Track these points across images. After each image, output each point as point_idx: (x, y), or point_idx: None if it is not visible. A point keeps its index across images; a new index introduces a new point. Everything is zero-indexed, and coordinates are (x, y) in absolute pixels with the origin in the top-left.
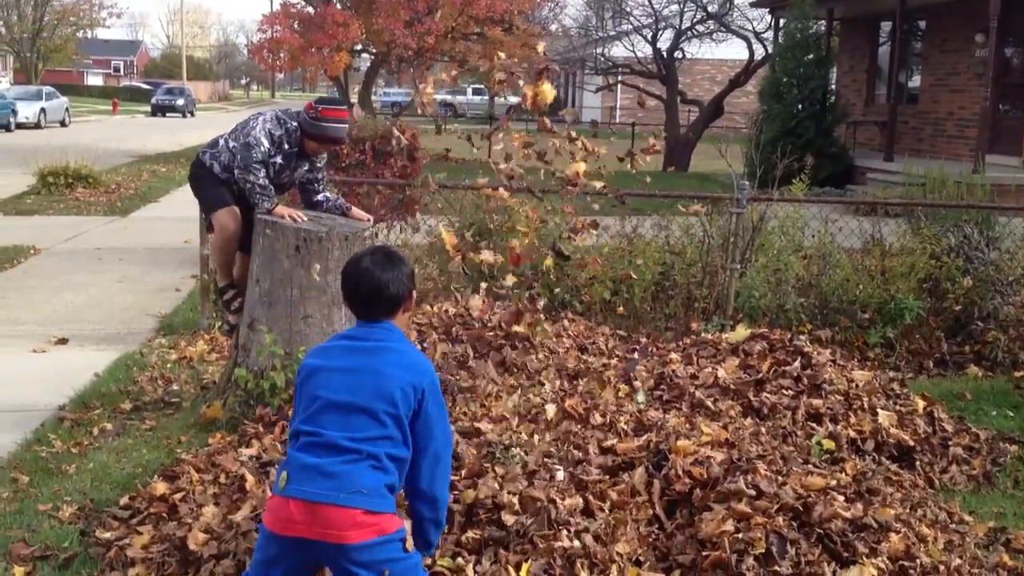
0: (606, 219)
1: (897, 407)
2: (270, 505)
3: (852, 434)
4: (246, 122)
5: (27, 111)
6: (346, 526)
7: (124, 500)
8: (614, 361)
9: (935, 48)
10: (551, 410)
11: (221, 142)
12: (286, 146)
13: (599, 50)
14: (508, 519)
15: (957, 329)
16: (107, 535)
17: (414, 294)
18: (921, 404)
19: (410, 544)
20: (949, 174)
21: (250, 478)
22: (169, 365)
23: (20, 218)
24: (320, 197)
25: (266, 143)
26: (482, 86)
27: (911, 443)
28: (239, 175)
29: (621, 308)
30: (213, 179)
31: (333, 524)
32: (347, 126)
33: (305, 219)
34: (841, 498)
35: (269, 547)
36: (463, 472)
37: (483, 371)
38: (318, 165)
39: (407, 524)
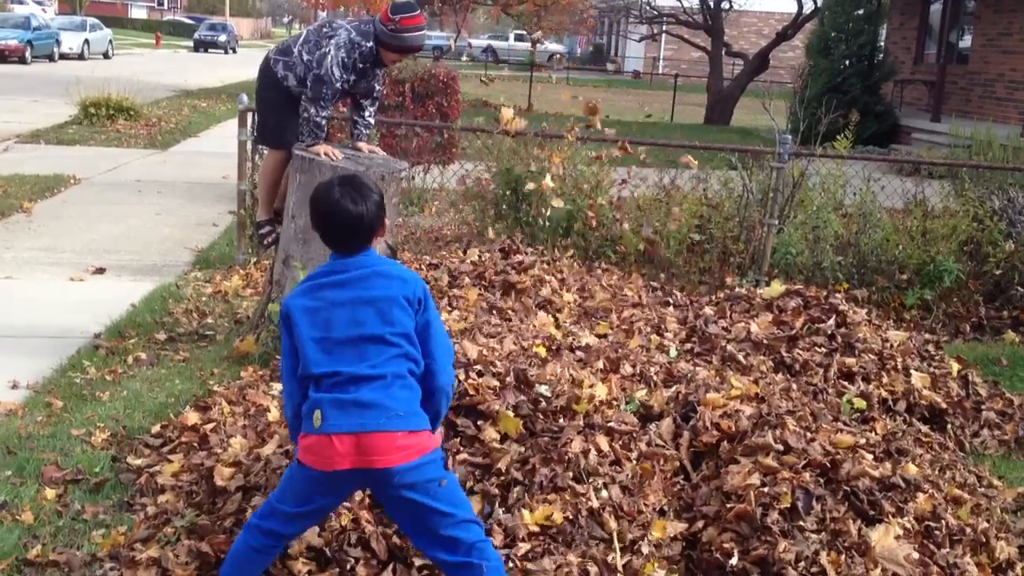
0: (644, 170)
1: (931, 369)
2: (309, 444)
3: (884, 394)
4: (321, 35)
5: (71, 42)
6: (391, 450)
7: (156, 428)
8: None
9: (988, 7)
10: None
11: (295, 51)
12: (360, 66)
13: None
14: (541, 470)
15: (996, 294)
16: (138, 462)
17: (385, 221)
18: (956, 367)
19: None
20: (996, 136)
21: (275, 412)
22: (204, 298)
23: (61, 147)
24: (365, 114)
25: (338, 74)
26: (524, 32)
27: (943, 405)
28: (304, 102)
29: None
30: (283, 98)
31: (378, 451)
32: (425, 31)
33: (341, 156)
34: (870, 456)
35: (312, 484)
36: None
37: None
38: (379, 74)
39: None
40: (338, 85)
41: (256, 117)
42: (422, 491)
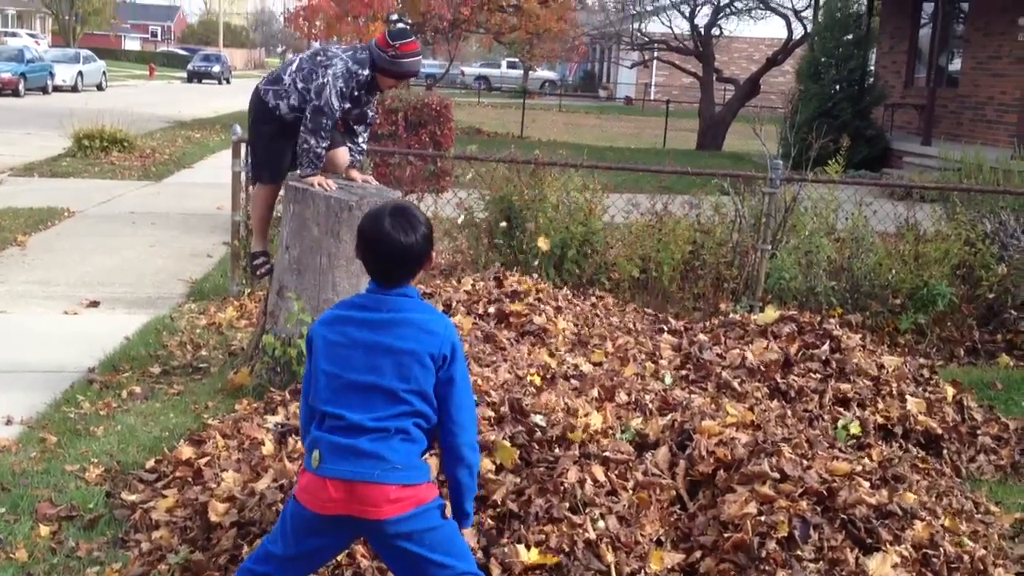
0: (637, 196)
1: (926, 394)
2: (306, 484)
3: (880, 420)
4: (315, 64)
5: (65, 74)
6: (384, 502)
7: (150, 463)
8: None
9: (977, 31)
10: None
11: (287, 79)
12: (356, 93)
13: (635, 25)
14: (537, 501)
15: (990, 317)
16: (132, 497)
17: (432, 253)
18: (951, 392)
19: (448, 511)
20: (986, 159)
21: (270, 446)
22: (198, 330)
23: (55, 180)
24: (359, 140)
25: (336, 104)
26: (516, 59)
27: (939, 431)
28: (303, 132)
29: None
30: (275, 130)
31: (371, 501)
32: (421, 57)
33: (334, 187)
34: (866, 484)
35: (305, 524)
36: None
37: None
38: (372, 100)
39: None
40: (337, 115)
41: (249, 149)
42: (417, 541)
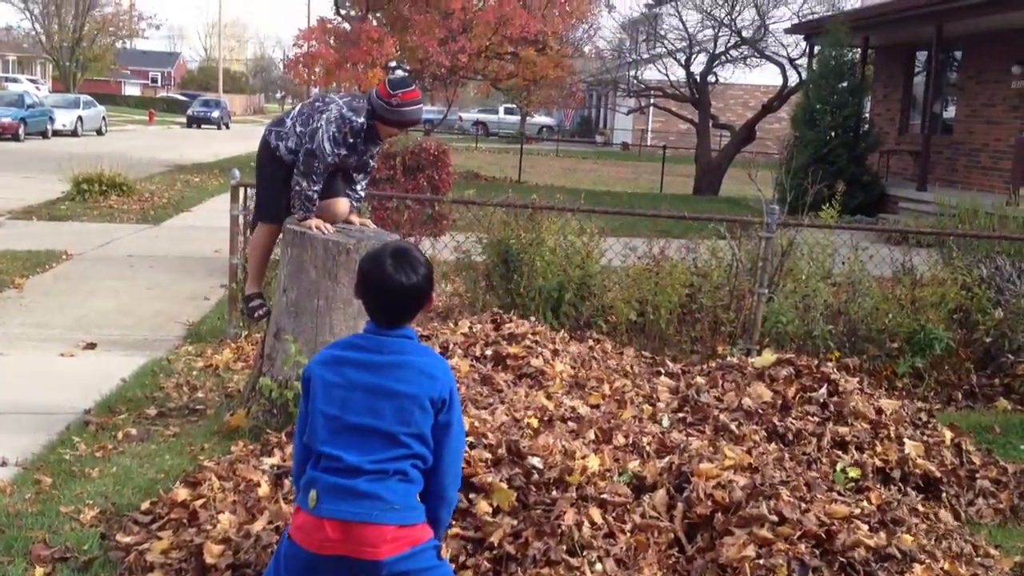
0: (634, 240)
1: (924, 437)
2: (301, 523)
3: (878, 463)
4: (313, 109)
5: (64, 119)
6: (381, 542)
7: (145, 505)
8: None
9: (971, 79)
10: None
11: (288, 122)
12: (350, 140)
13: (632, 72)
14: (534, 543)
15: (987, 361)
16: (127, 539)
17: (433, 294)
18: (949, 435)
19: (444, 551)
20: (981, 205)
21: (266, 488)
22: (195, 372)
23: (54, 223)
24: (357, 188)
25: (329, 148)
26: (514, 105)
27: (938, 474)
28: (295, 175)
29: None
30: (277, 172)
31: (369, 541)
32: (422, 105)
33: (332, 230)
34: (865, 527)
35: (300, 564)
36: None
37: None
38: (374, 152)
39: None
40: (329, 159)
41: (255, 191)
42: None
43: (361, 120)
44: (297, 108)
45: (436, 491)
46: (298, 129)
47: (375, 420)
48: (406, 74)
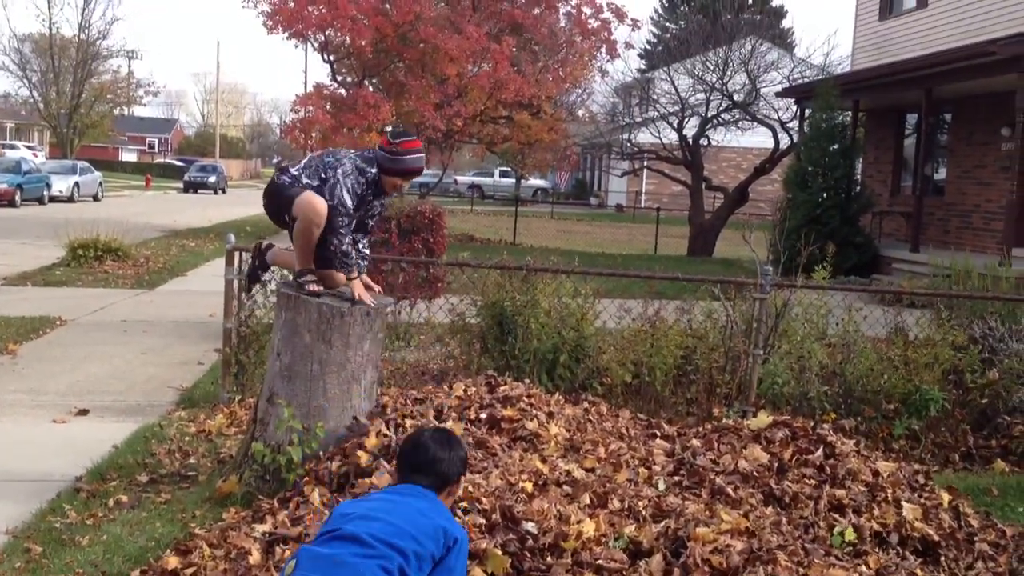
0: (628, 302)
1: (922, 500)
2: None
3: (876, 526)
4: (324, 164)
5: (61, 185)
6: None
7: (135, 574)
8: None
9: (961, 140)
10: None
11: (293, 171)
12: (362, 193)
13: (625, 135)
14: None
15: (983, 422)
16: None
17: (462, 480)
18: (946, 498)
19: None
20: (974, 265)
21: (256, 555)
22: (187, 438)
23: (49, 289)
24: (359, 247)
25: (349, 201)
26: (509, 168)
27: (936, 538)
28: (327, 235)
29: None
30: (289, 185)
31: None
32: (424, 155)
33: (370, 300)
34: None
35: None
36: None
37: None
38: (377, 210)
39: None
40: (352, 211)
41: (279, 221)
42: None
43: (374, 171)
44: (304, 161)
45: None
46: (304, 180)
47: (386, 515)
48: (405, 128)
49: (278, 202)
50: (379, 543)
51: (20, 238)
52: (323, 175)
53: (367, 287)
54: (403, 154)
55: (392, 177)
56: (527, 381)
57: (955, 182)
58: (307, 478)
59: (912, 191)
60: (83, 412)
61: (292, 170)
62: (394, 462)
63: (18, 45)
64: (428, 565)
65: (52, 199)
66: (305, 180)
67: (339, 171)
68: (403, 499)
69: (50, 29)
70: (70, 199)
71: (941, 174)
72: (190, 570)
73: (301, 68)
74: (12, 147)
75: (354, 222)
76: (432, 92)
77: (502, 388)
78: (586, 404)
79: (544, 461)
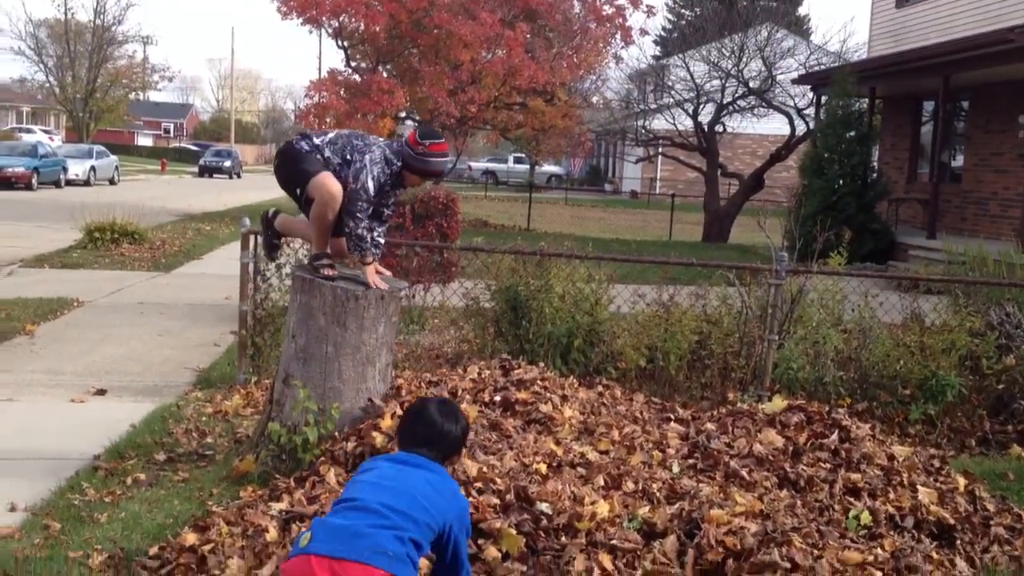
0: (643, 287)
1: (937, 484)
2: (289, 565)
3: (891, 510)
4: (352, 146)
5: (77, 169)
6: None
7: (154, 550)
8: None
9: (979, 128)
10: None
11: (316, 140)
12: (384, 183)
13: (640, 122)
14: None
15: (1000, 407)
16: None
17: (463, 451)
18: (962, 482)
19: None
20: (989, 253)
21: (273, 533)
22: (204, 418)
23: (66, 271)
24: (374, 235)
25: (372, 188)
26: (523, 154)
27: (951, 521)
28: (345, 216)
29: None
30: (308, 154)
31: None
32: (448, 159)
33: (385, 287)
34: (879, 574)
35: None
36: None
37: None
38: (392, 201)
39: None
40: (373, 198)
41: (289, 191)
42: None
43: (399, 164)
44: (329, 135)
45: None
46: (326, 154)
47: (396, 483)
48: (438, 129)
49: (292, 170)
50: (392, 513)
51: (37, 221)
52: (348, 156)
53: (379, 272)
54: (430, 155)
55: (413, 175)
56: (541, 365)
57: (972, 170)
58: (323, 458)
59: (929, 178)
60: (101, 392)
61: (315, 139)
62: None
63: (34, 30)
64: (433, 536)
65: (68, 183)
66: (328, 154)
67: (367, 157)
68: (413, 471)
69: (65, 14)
70: (86, 183)
71: (958, 161)
72: (208, 547)
73: (315, 54)
74: (29, 131)
75: (371, 209)
76: (446, 78)
77: (516, 371)
78: (600, 388)
79: (558, 443)
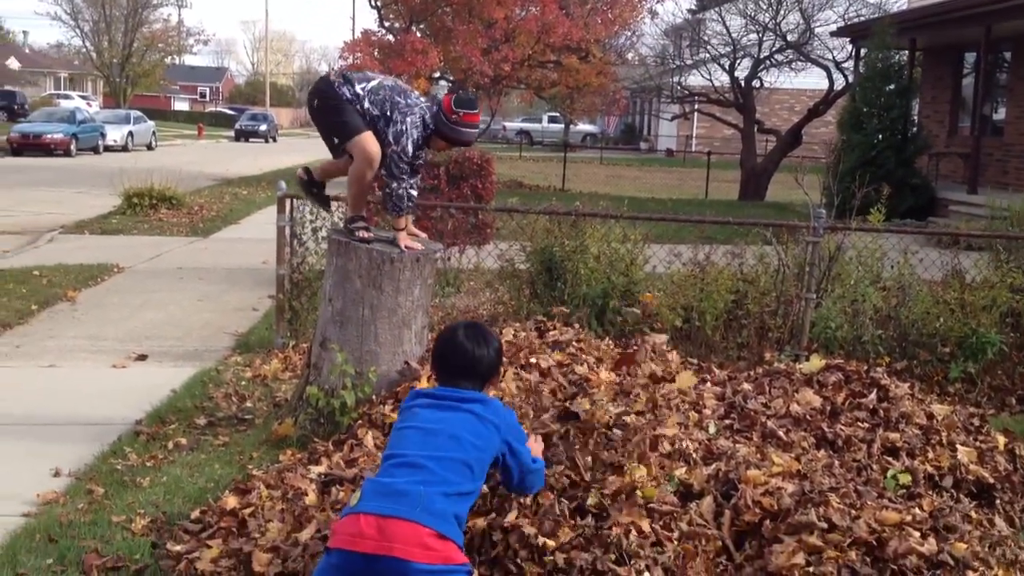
0: (678, 246)
1: (977, 443)
2: (337, 525)
3: (929, 469)
4: (393, 102)
5: (115, 134)
6: (413, 543)
7: (195, 514)
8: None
9: (1021, 79)
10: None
11: (358, 88)
12: (420, 144)
13: (675, 79)
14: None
15: None
16: (178, 548)
17: (501, 370)
18: (1002, 441)
19: None
20: None
21: (312, 496)
22: (243, 382)
23: (105, 237)
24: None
25: (411, 150)
26: (557, 113)
27: (991, 480)
28: (385, 177)
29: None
30: (348, 104)
31: (401, 539)
32: (478, 129)
33: (420, 247)
34: (917, 534)
35: (334, 566)
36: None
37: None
38: (424, 155)
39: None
40: (411, 158)
41: (326, 137)
42: None
43: (432, 127)
44: (372, 82)
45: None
46: (366, 105)
47: (440, 424)
48: (474, 97)
49: (332, 121)
50: (438, 466)
51: (76, 187)
52: (388, 112)
53: (414, 235)
54: (462, 125)
55: (441, 140)
56: (576, 326)
57: (1014, 122)
58: (360, 421)
59: (970, 132)
60: (142, 357)
61: (357, 87)
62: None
63: None
64: (489, 465)
65: (107, 148)
66: (367, 105)
67: (409, 120)
68: (452, 412)
69: None
70: (124, 148)
71: (1000, 114)
72: (248, 510)
73: (349, 15)
74: (67, 97)
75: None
76: (479, 37)
77: (552, 333)
78: (635, 348)
79: (594, 404)
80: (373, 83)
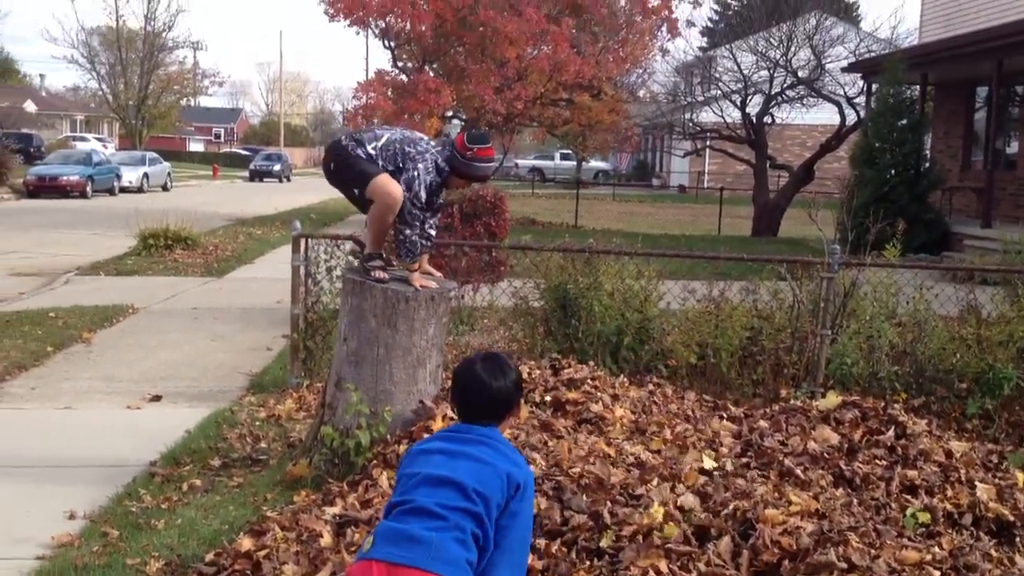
0: (692, 283)
1: (996, 480)
2: (352, 571)
3: (949, 507)
4: (404, 153)
5: (130, 176)
6: None
7: (210, 556)
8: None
9: None
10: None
11: (369, 148)
12: (435, 188)
13: (687, 115)
14: None
15: None
16: None
17: (520, 402)
18: (1021, 477)
19: None
20: None
21: (327, 538)
22: (258, 423)
23: (121, 278)
24: (427, 229)
25: (424, 196)
26: (570, 151)
27: (1011, 518)
28: (398, 223)
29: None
30: (360, 157)
31: None
32: (494, 164)
33: (434, 286)
34: (937, 573)
35: None
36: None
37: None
38: (442, 196)
39: None
40: (425, 205)
41: (346, 192)
42: None
43: (447, 170)
44: (381, 139)
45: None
46: (380, 163)
47: (450, 473)
48: (486, 133)
49: (348, 175)
50: (450, 512)
51: (92, 228)
52: (400, 163)
53: (428, 274)
54: (477, 161)
55: (458, 178)
56: (591, 363)
57: None
58: (375, 461)
59: (983, 166)
60: (156, 398)
61: (368, 147)
62: None
63: (86, 38)
64: (496, 512)
65: (122, 190)
66: (380, 163)
67: (421, 166)
68: (464, 448)
69: (117, 22)
70: (140, 189)
71: (1013, 148)
72: (263, 552)
73: (362, 55)
74: (83, 139)
75: (423, 212)
76: (492, 75)
77: (566, 371)
78: (651, 386)
79: (610, 443)
80: (383, 140)
